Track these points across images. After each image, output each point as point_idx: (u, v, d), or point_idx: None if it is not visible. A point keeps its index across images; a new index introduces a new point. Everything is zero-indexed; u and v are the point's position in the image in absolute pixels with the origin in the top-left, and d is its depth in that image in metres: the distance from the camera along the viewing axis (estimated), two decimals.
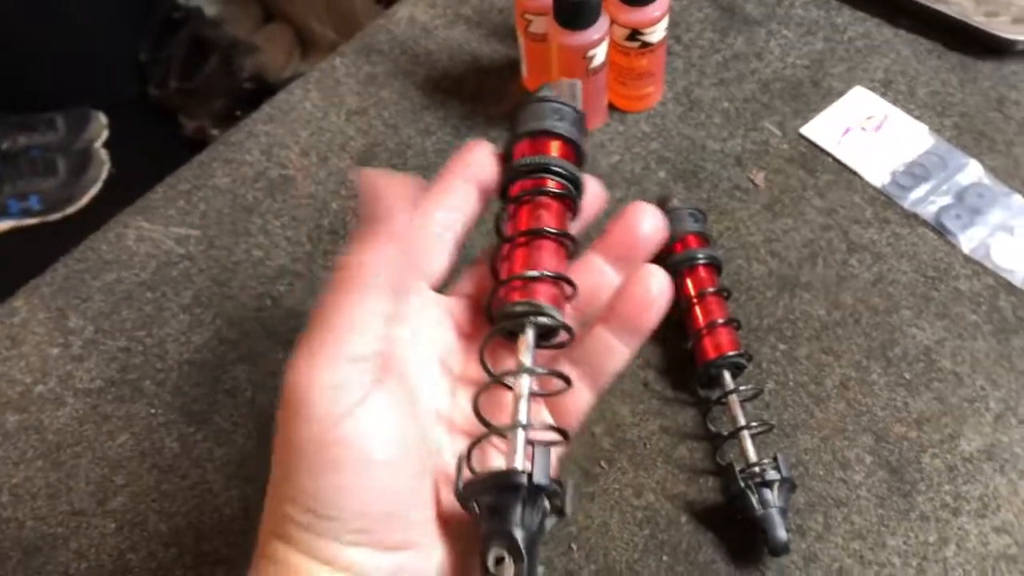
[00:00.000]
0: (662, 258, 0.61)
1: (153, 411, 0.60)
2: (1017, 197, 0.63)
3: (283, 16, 2.24)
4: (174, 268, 0.66)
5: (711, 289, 0.58)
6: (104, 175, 1.75)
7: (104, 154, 1.80)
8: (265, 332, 0.63)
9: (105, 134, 1.87)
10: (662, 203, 0.63)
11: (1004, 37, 0.70)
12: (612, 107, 0.71)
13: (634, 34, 0.65)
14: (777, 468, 0.52)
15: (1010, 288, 0.60)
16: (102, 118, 1.87)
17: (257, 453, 0.58)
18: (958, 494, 0.53)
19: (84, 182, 1.73)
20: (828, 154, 0.67)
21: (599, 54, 0.64)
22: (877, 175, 0.65)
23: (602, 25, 0.63)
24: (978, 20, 0.71)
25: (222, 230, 0.68)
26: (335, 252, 0.66)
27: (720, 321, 0.57)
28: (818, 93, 0.70)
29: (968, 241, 0.62)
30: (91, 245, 0.68)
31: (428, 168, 0.69)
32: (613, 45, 0.66)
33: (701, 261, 0.59)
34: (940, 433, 0.55)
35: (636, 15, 0.64)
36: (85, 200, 1.71)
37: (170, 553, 0.55)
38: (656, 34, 0.65)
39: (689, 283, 0.59)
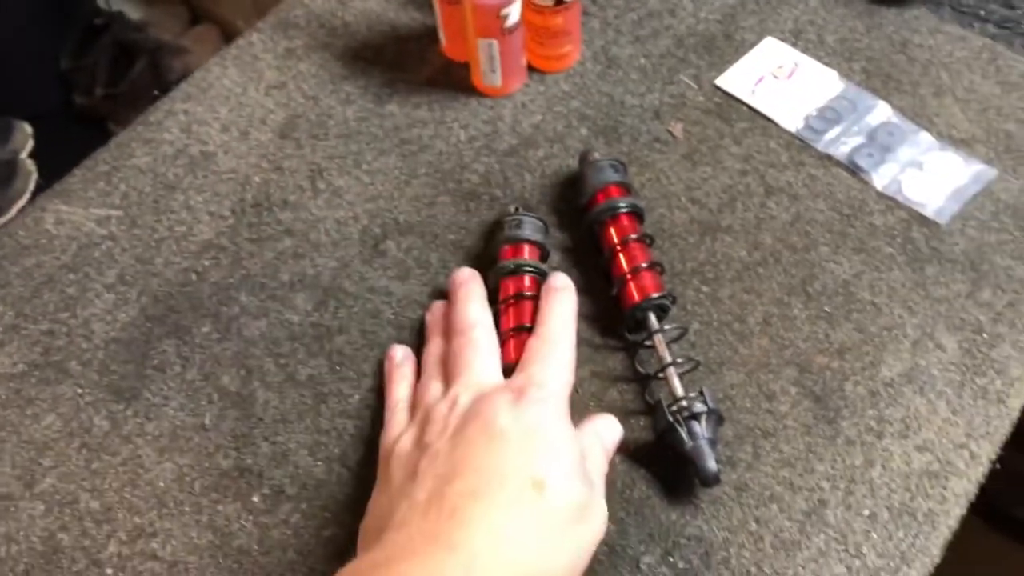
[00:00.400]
0: (585, 209, 0.62)
1: (80, 391, 0.59)
2: (924, 134, 0.65)
3: (210, 17, 2.21)
4: (96, 249, 0.65)
5: (633, 236, 0.59)
6: (31, 186, 1.71)
7: (30, 164, 1.75)
8: (191, 306, 0.62)
9: (30, 144, 1.82)
10: (583, 157, 0.64)
11: None
12: (532, 68, 0.72)
13: None
14: (704, 401, 0.53)
15: (922, 220, 0.62)
16: (26, 128, 1.83)
17: (190, 424, 0.57)
18: (881, 417, 0.55)
19: (10, 194, 1.69)
20: (743, 103, 0.68)
21: (513, 13, 0.65)
22: (791, 120, 0.67)
23: None
24: None
25: (144, 209, 0.67)
26: (260, 224, 0.66)
27: (643, 266, 0.58)
28: (731, 46, 0.72)
29: (880, 178, 0.63)
30: (7, 231, 0.67)
31: (350, 136, 0.69)
32: (527, 4, 0.66)
33: (623, 209, 0.60)
34: (861, 361, 0.57)
35: None
36: (12, 212, 1.67)
37: (103, 530, 0.54)
38: None
39: (612, 232, 0.60)
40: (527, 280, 0.58)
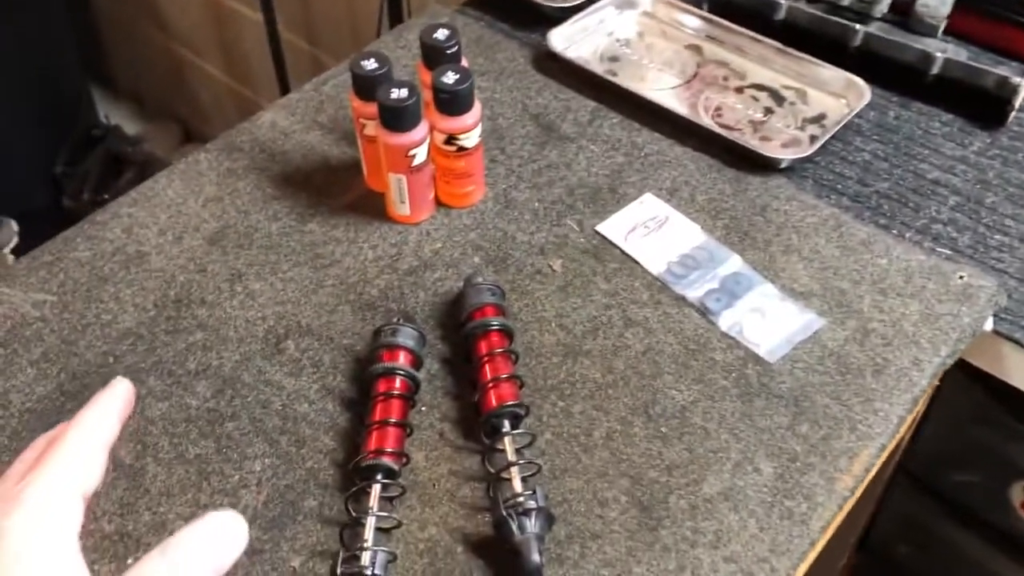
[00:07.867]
0: (462, 325, 0.70)
1: None
2: (769, 285, 0.74)
3: (200, 136, 2.35)
4: (28, 328, 0.73)
5: (499, 350, 0.67)
6: None
7: (11, 259, 1.85)
8: (104, 384, 0.69)
9: (15, 240, 1.92)
10: (468, 280, 0.73)
11: (771, 156, 0.83)
12: (441, 203, 0.82)
13: (451, 139, 0.76)
14: (535, 499, 0.59)
15: (756, 359, 0.70)
16: (13, 225, 1.93)
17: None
18: (697, 528, 0.61)
19: None
20: (616, 247, 0.78)
21: (420, 153, 0.75)
22: (655, 265, 0.76)
23: (422, 129, 0.74)
24: (753, 144, 0.85)
25: (76, 296, 0.75)
26: (178, 317, 0.74)
27: (503, 376, 0.65)
28: (614, 198, 0.82)
29: (725, 320, 0.72)
30: None
31: (271, 248, 0.78)
32: (434, 147, 0.77)
33: (494, 327, 0.68)
34: (687, 477, 0.64)
35: (451, 123, 0.75)
36: None
37: None
38: (471, 140, 0.76)
39: (482, 345, 0.68)
40: (398, 382, 0.66)
